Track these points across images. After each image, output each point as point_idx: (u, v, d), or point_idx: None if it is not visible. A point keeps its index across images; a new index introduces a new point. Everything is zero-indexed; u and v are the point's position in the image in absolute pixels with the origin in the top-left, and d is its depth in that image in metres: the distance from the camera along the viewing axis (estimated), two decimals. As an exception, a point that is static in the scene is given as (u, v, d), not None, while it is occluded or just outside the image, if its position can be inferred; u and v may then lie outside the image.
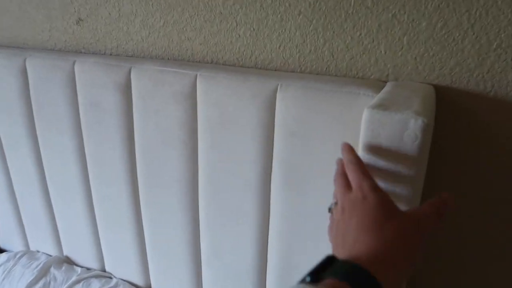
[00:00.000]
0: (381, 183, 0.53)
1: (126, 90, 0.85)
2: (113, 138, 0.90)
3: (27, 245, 1.24)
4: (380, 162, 0.54)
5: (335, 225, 0.51)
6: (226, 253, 0.86)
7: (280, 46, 0.78)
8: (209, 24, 0.82)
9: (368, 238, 0.44)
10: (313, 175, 0.70)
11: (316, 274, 0.39)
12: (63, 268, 1.12)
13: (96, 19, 0.95)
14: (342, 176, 0.53)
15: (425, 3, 0.64)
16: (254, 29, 0.79)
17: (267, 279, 0.84)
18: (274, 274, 0.82)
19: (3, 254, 1.21)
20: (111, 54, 0.96)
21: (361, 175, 0.50)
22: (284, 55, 0.78)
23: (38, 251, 1.21)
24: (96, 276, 1.09)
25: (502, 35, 0.61)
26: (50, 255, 1.18)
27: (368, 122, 0.54)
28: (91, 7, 0.94)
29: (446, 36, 0.65)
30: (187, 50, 0.87)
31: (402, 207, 0.49)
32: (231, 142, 0.77)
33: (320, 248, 0.67)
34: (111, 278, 1.09)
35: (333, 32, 0.72)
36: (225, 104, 0.75)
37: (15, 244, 1.26)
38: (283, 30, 0.76)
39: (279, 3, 0.74)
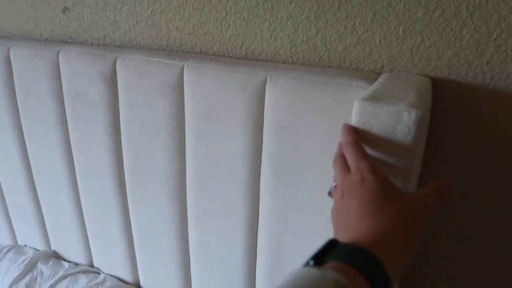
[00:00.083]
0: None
1: (112, 81, 0.82)
2: (98, 130, 0.87)
3: (14, 239, 1.21)
4: (372, 157, 0.52)
5: (335, 209, 0.50)
6: (215, 247, 0.84)
7: (271, 36, 0.75)
8: (198, 13, 0.79)
9: (369, 221, 0.43)
10: (303, 169, 0.68)
11: (319, 257, 0.38)
12: (50, 263, 1.10)
13: (82, 7, 0.91)
14: (341, 158, 0.51)
15: (422, -9, 0.61)
16: (244, 18, 0.76)
17: (257, 274, 0.81)
18: (263, 268, 0.79)
19: (-10, 248, 1.18)
20: (98, 44, 0.93)
21: (359, 157, 0.48)
22: (275, 45, 0.75)
23: (25, 246, 1.19)
24: (84, 272, 1.06)
25: (503, 25, 0.58)
26: (38, 250, 1.16)
27: (359, 114, 0.52)
28: (77, -5, 0.91)
29: (443, 26, 0.62)
30: (175, 40, 0.84)
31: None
32: (219, 135, 0.74)
33: (310, 242, 0.65)
34: (99, 273, 1.06)
35: (326, 21, 0.69)
36: (213, 96, 0.72)
37: (3, 238, 1.23)
38: (274, 19, 0.73)
39: (270, -10, 0.71)
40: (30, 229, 1.15)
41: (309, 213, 0.70)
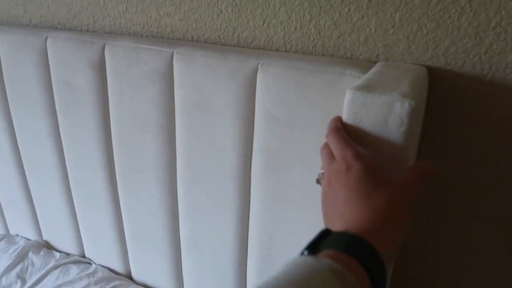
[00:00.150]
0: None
1: (100, 69, 0.80)
2: (87, 119, 0.85)
3: (6, 228, 1.20)
4: (358, 142, 0.50)
5: (324, 196, 0.49)
6: (205, 240, 0.82)
7: (264, 22, 0.72)
8: (189, -2, 0.77)
9: (358, 209, 0.43)
10: (295, 161, 0.66)
11: (313, 247, 0.39)
12: (42, 253, 1.08)
13: (71, -8, 0.89)
14: (328, 146, 0.51)
15: (419, -24, 0.59)
16: (236, 4, 0.73)
17: (248, 267, 0.80)
18: (255, 262, 0.78)
19: (-18, 238, 1.17)
20: (88, 31, 0.91)
21: (343, 145, 0.48)
22: (268, 33, 0.72)
23: (17, 235, 1.18)
24: (75, 262, 1.05)
25: (503, 12, 0.56)
26: (30, 240, 1.15)
27: (350, 104, 0.49)
28: (66, -21, 0.88)
29: (441, 13, 0.59)
30: (166, 26, 0.81)
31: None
32: (209, 125, 0.72)
33: (302, 235, 0.63)
34: (90, 264, 1.05)
35: (320, 7, 0.67)
36: (202, 85, 0.70)
37: (-6, 228, 1.22)
38: (267, 6, 0.70)
39: (263, -25, 0.69)
40: (21, 219, 1.13)
41: (301, 206, 0.68)
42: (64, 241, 1.08)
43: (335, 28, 0.67)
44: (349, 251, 0.37)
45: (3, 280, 1.01)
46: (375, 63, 0.65)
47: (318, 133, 0.62)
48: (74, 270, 1.02)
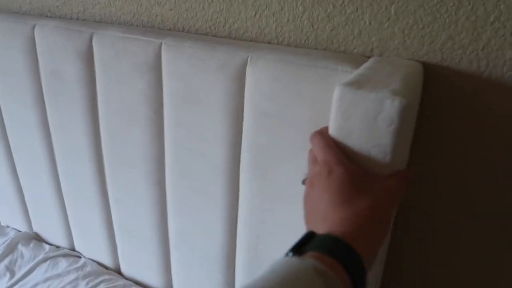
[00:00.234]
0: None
1: (88, 59, 0.77)
2: (76, 110, 0.83)
3: (-3, 219, 1.19)
4: (352, 149, 0.48)
5: (306, 197, 0.50)
6: (194, 236, 0.80)
7: (256, 13, 0.70)
8: (179, -13, 0.74)
9: (341, 213, 0.43)
10: (284, 158, 0.64)
11: (298, 249, 0.39)
12: (31, 245, 1.07)
13: (60, -21, 0.86)
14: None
15: (416, -33, 0.56)
16: (228, -6, 0.71)
17: (236, 263, 0.78)
18: (243, 258, 0.76)
19: (-29, 228, 1.16)
20: (77, 19, 0.88)
21: (325, 149, 0.48)
22: (260, 24, 0.70)
23: (8, 227, 1.16)
24: (64, 255, 1.04)
25: (502, 6, 0.53)
26: (20, 231, 1.13)
27: (339, 101, 0.47)
28: (55, -34, 0.85)
29: (438, 6, 0.57)
30: (156, 16, 0.79)
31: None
32: (198, 119, 0.70)
33: (291, 232, 0.61)
34: (80, 257, 1.03)
35: (313, -2, 0.64)
36: (191, 77, 0.68)
37: (-15, 218, 1.20)
38: (259, -5, 0.68)
39: (255, -36, 0.66)
40: (12, 210, 1.12)
41: (290, 203, 0.66)
42: (54, 234, 1.07)
43: (328, 21, 0.65)
44: (332, 254, 0.37)
45: (-8, 272, 1.00)
46: (369, 57, 0.63)
47: (309, 130, 0.60)
48: (63, 264, 1.01)
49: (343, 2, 0.62)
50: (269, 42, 0.71)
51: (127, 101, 0.76)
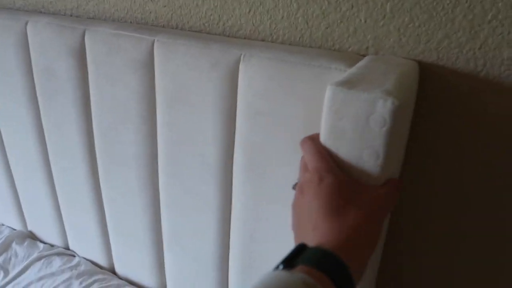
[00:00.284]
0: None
1: (80, 56, 0.76)
2: (68, 108, 0.82)
3: (-8, 217, 1.18)
4: (343, 151, 0.47)
5: (295, 204, 0.50)
6: (187, 237, 0.79)
7: (250, 10, 0.69)
8: (173, -16, 0.73)
9: (331, 223, 0.43)
10: (278, 158, 0.63)
11: (289, 261, 0.39)
12: (26, 243, 1.06)
13: (54, -25, 0.85)
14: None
15: (413, -36, 0.55)
16: (221, -10, 0.69)
17: (230, 264, 0.77)
18: (236, 260, 0.75)
19: (-35, 226, 1.15)
20: (71, 15, 0.87)
21: (317, 156, 0.47)
22: (254, 21, 0.69)
23: (2, 225, 1.15)
24: (59, 254, 1.03)
25: (499, 4, 0.52)
26: (15, 229, 1.12)
27: (331, 101, 0.46)
28: (48, -39, 0.84)
29: (434, 4, 0.55)
30: (150, 12, 0.78)
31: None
32: (191, 118, 0.69)
33: (284, 234, 0.60)
34: (74, 256, 1.03)
35: (308, -5, 0.63)
36: (183, 75, 0.66)
37: (-20, 216, 1.20)
38: (254, -8, 0.67)
39: (248, -40, 0.65)
40: (6, 208, 1.11)
41: (284, 204, 0.64)
42: (48, 232, 1.06)
43: (323, 18, 0.63)
44: (320, 267, 0.37)
45: (-15, 271, 0.99)
46: (364, 56, 0.62)
47: (303, 128, 0.59)
48: (57, 262, 1.00)
49: (338, -1, 0.61)
50: (263, 40, 0.69)
51: (120, 99, 0.75)
